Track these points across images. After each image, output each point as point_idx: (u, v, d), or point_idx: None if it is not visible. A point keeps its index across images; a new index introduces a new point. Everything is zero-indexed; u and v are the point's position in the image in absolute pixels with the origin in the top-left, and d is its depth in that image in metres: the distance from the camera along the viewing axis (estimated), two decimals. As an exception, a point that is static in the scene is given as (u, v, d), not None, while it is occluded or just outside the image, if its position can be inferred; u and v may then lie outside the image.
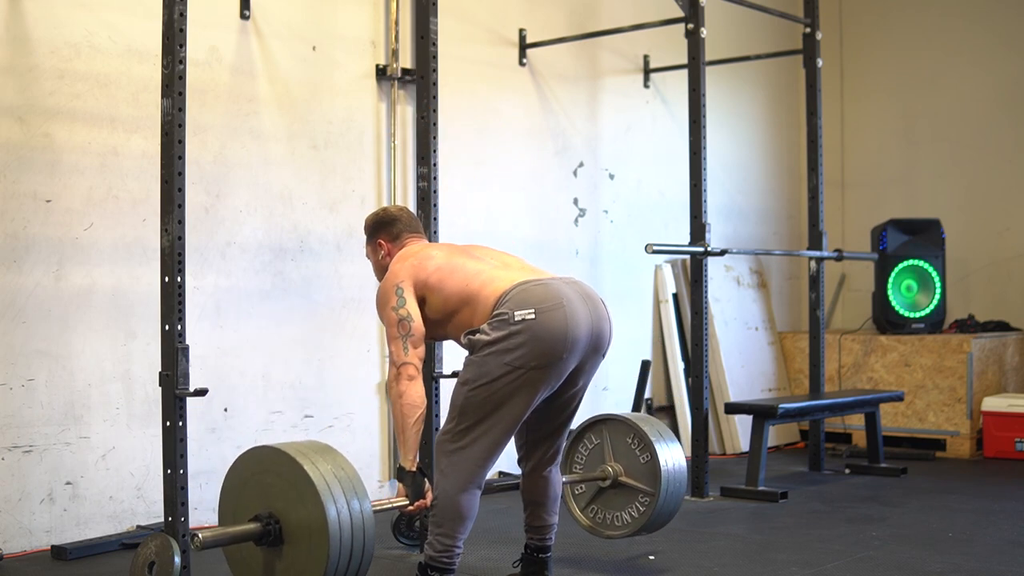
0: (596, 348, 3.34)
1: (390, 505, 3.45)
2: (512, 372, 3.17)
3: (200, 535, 3.13)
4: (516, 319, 3.17)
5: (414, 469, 3.35)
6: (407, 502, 3.39)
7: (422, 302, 3.37)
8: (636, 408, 5.60)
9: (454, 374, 3.53)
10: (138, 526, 4.44)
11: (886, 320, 6.93)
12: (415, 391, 3.27)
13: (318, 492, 3.03)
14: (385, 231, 3.65)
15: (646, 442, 3.90)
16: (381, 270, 3.63)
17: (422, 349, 3.33)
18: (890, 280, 6.94)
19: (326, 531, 3.01)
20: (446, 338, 3.51)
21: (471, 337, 3.26)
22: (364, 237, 5.37)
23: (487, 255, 3.50)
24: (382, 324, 3.46)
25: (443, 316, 3.37)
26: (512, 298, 3.22)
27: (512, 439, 3.54)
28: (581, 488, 4.09)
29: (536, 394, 3.23)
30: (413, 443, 3.30)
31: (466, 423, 3.25)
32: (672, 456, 3.91)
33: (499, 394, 3.20)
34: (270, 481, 3.17)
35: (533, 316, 3.17)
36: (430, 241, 3.95)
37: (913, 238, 7.02)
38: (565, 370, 3.26)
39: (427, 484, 3.38)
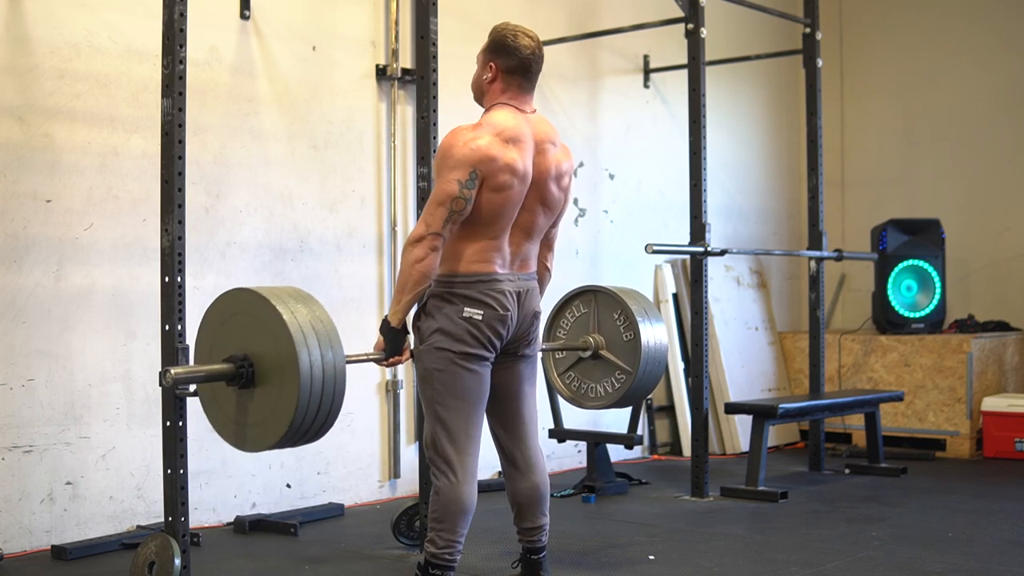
0: (520, 340, 3.43)
1: (365, 357, 3.44)
2: (460, 358, 3.28)
3: (172, 370, 3.14)
4: (464, 315, 3.28)
5: (398, 327, 3.35)
6: (383, 355, 3.39)
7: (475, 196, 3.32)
8: (635, 411, 5.59)
9: None
10: (138, 526, 4.44)
11: (886, 320, 6.93)
12: (431, 261, 3.25)
13: (292, 337, 3.05)
14: (504, 60, 3.46)
15: (631, 320, 3.91)
16: (478, 87, 3.55)
17: (456, 230, 3.29)
18: (890, 280, 6.94)
19: (297, 378, 3.03)
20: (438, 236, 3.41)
21: (419, 325, 3.34)
22: (364, 234, 5.37)
23: (531, 220, 3.41)
24: (434, 175, 3.37)
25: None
26: (477, 288, 3.29)
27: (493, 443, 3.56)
28: (562, 354, 4.10)
29: (485, 375, 3.34)
30: (407, 306, 3.31)
31: (443, 415, 3.31)
32: (654, 336, 3.93)
33: (459, 379, 3.29)
34: (247, 323, 3.17)
35: (480, 318, 3.28)
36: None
37: (913, 238, 7.02)
38: (494, 355, 3.37)
39: (407, 341, 3.39)
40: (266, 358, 3.14)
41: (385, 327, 3.36)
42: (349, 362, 3.28)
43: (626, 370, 3.93)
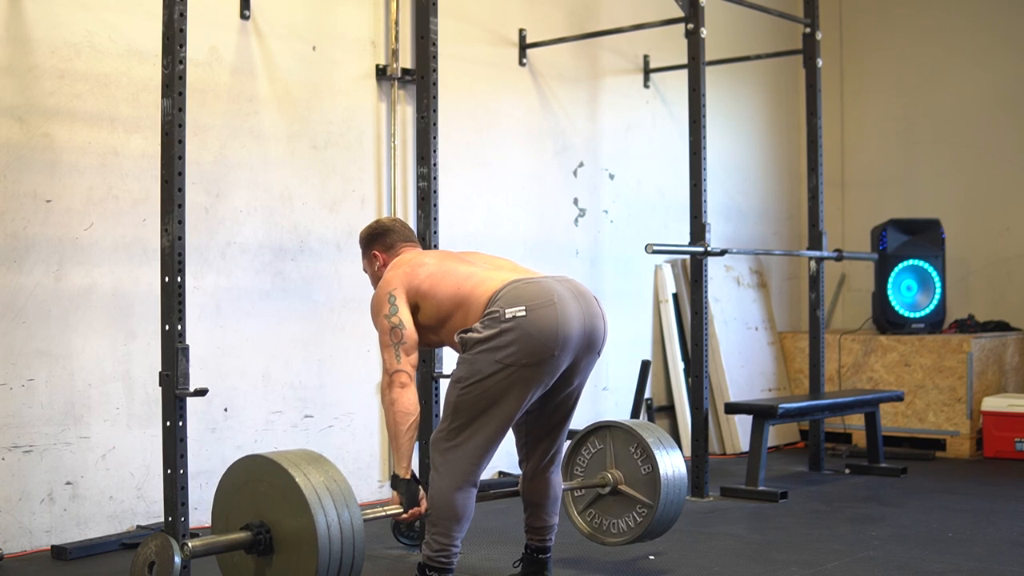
0: (590, 345, 3.34)
1: (384, 513, 3.45)
2: (504, 370, 3.18)
3: (190, 544, 3.14)
4: (507, 316, 3.18)
5: (408, 476, 3.36)
6: (401, 510, 3.40)
7: (415, 309, 3.39)
8: (636, 408, 5.60)
9: None
10: (138, 526, 4.44)
11: (886, 320, 6.93)
12: (407, 398, 3.28)
13: (308, 503, 3.05)
14: (379, 242, 3.67)
15: (648, 453, 3.90)
16: (377, 280, 3.65)
17: (415, 356, 3.34)
18: (890, 280, 6.94)
19: (315, 542, 3.03)
20: (441, 344, 3.52)
21: (463, 336, 3.27)
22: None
23: (479, 259, 3.52)
24: (376, 330, 3.47)
25: (437, 321, 3.38)
26: (503, 296, 3.23)
27: (515, 439, 3.55)
28: (580, 492, 4.09)
29: (529, 391, 3.23)
30: (407, 450, 3.32)
31: (460, 421, 3.26)
32: (673, 466, 3.92)
33: (491, 392, 3.21)
34: (262, 490, 3.18)
35: (524, 313, 3.18)
36: (427, 248, 3.96)
37: (913, 238, 7.02)
38: (558, 367, 3.26)
39: (421, 492, 3.39)
40: (283, 524, 3.13)
41: (395, 481, 3.37)
42: (367, 520, 3.25)
43: (647, 503, 3.92)
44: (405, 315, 3.35)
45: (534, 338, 3.17)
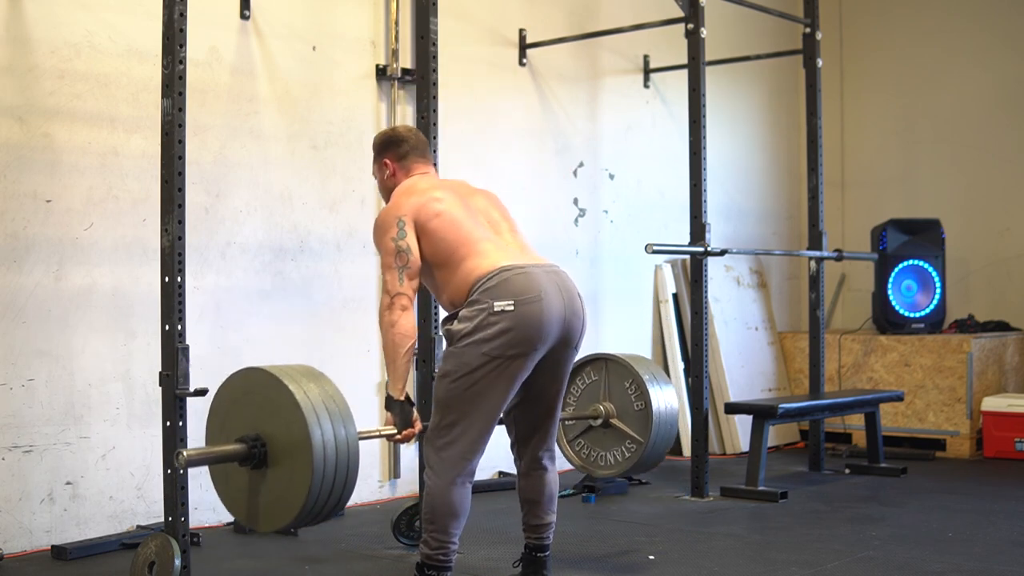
0: (567, 341, 3.38)
1: (378, 433, 3.45)
2: (491, 362, 3.22)
3: (184, 452, 3.13)
4: (496, 309, 3.22)
5: (402, 398, 3.37)
6: (395, 431, 3.40)
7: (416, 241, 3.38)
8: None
9: None
10: (138, 526, 4.44)
11: (886, 320, 6.93)
12: (407, 321, 3.29)
13: (303, 415, 3.03)
14: (392, 150, 3.62)
15: (642, 389, 3.91)
16: (386, 190, 3.63)
17: (417, 282, 3.35)
18: (890, 280, 6.94)
19: (310, 454, 3.02)
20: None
21: (449, 327, 3.30)
22: (364, 234, 5.38)
23: (483, 216, 3.48)
24: (377, 251, 3.45)
25: (424, 262, 3.39)
26: (492, 286, 3.25)
27: (508, 438, 3.56)
28: (571, 421, 4.11)
29: (514, 382, 3.28)
30: (403, 372, 3.32)
31: (451, 416, 3.29)
32: (665, 403, 3.93)
33: (479, 384, 3.24)
34: (258, 403, 3.16)
35: (512, 308, 3.22)
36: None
37: (913, 238, 7.02)
38: (536, 359, 3.31)
39: (415, 413, 3.40)
40: (278, 438, 3.12)
41: (389, 402, 3.38)
42: (362, 438, 3.26)
43: (637, 440, 3.94)
44: (412, 241, 3.34)
45: (520, 332, 3.22)
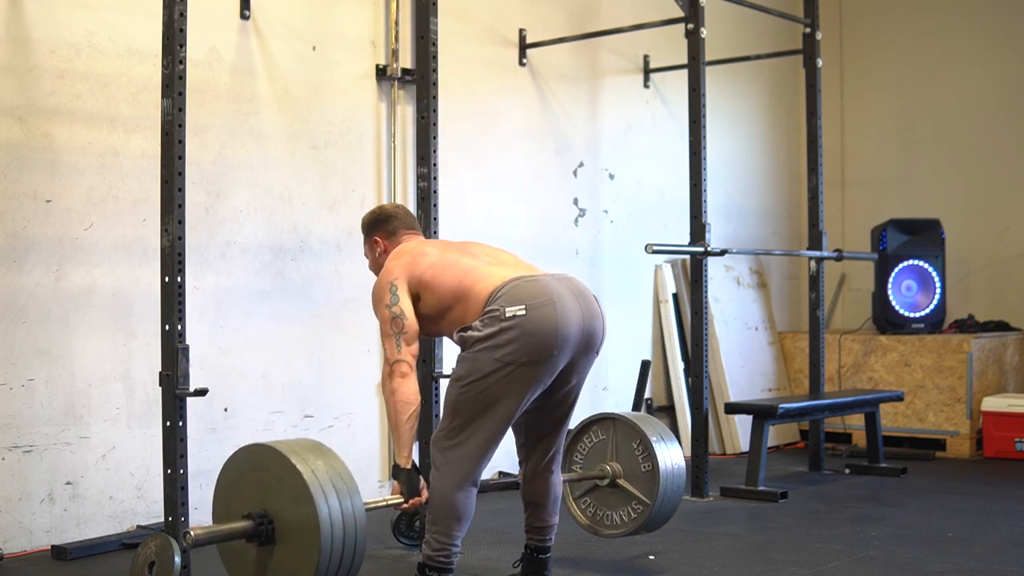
0: (588, 345, 3.34)
1: (385, 503, 3.46)
2: (503, 368, 3.19)
3: (192, 532, 3.13)
4: (507, 315, 3.18)
5: (408, 466, 3.37)
6: (402, 500, 3.41)
7: (416, 299, 3.39)
8: (636, 408, 5.59)
9: None
10: (138, 526, 4.44)
11: (886, 320, 6.93)
12: (408, 388, 3.29)
13: (310, 491, 3.03)
14: (381, 229, 3.67)
15: (649, 451, 3.91)
16: (378, 268, 3.65)
17: (416, 347, 3.35)
18: (890, 280, 6.94)
19: (317, 530, 3.02)
20: (440, 334, 3.55)
21: (463, 334, 3.28)
22: (363, 236, 5.35)
23: (481, 252, 3.51)
24: (376, 319, 3.48)
25: (437, 312, 3.39)
26: (504, 295, 3.23)
27: (515, 439, 3.55)
28: (578, 480, 4.11)
29: (528, 390, 3.24)
30: (407, 440, 3.32)
31: (460, 420, 3.26)
32: (672, 463, 3.92)
33: (491, 390, 3.21)
34: (264, 479, 3.17)
35: (524, 312, 3.18)
36: (428, 238, 3.96)
37: (913, 238, 7.02)
38: (556, 366, 3.27)
39: (422, 482, 3.39)
40: (286, 515, 3.12)
41: (396, 471, 3.38)
42: (369, 510, 3.26)
43: (643, 501, 3.93)
44: (406, 305, 3.35)
45: (534, 337, 3.18)
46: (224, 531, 3.20)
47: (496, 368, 3.19)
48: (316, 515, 3.01)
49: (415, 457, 3.89)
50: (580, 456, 4.09)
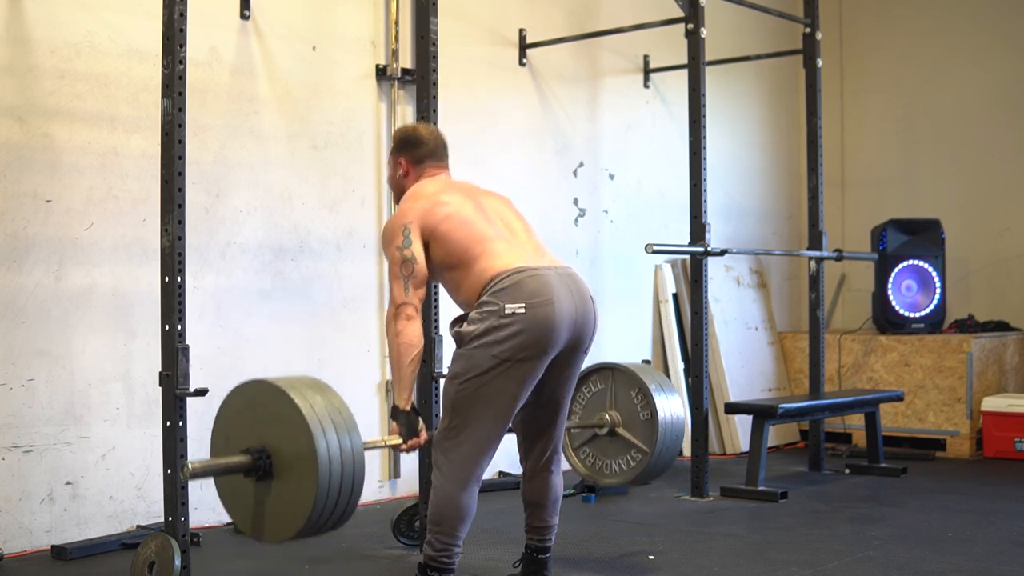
0: (576, 344, 3.36)
1: (384, 444, 3.45)
2: (500, 364, 3.20)
3: (189, 464, 3.13)
4: (506, 312, 3.20)
5: (408, 408, 3.36)
6: (401, 440, 3.40)
7: (425, 246, 3.37)
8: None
9: None
10: (138, 526, 4.44)
11: (886, 320, 6.93)
12: (413, 330, 3.28)
13: (308, 426, 3.03)
14: (409, 151, 3.59)
15: (649, 399, 3.91)
16: (396, 186, 3.62)
17: (423, 291, 3.34)
18: (890, 280, 6.95)
19: (315, 466, 3.01)
20: (436, 282, 3.54)
21: (459, 330, 3.29)
22: (364, 234, 5.39)
23: (496, 215, 3.47)
24: (385, 259, 3.44)
25: (439, 265, 3.38)
26: (505, 288, 3.23)
27: (515, 437, 3.56)
28: (577, 429, 4.11)
29: (525, 385, 3.26)
30: (408, 382, 3.30)
31: (460, 419, 3.27)
32: (671, 413, 3.93)
33: (489, 387, 3.22)
34: (262, 414, 3.16)
35: (523, 311, 3.20)
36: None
37: (913, 238, 7.02)
38: (548, 361, 3.30)
39: (421, 423, 3.39)
40: (284, 449, 3.11)
41: (395, 412, 3.36)
42: (367, 449, 3.26)
43: (643, 449, 3.94)
44: (418, 250, 3.33)
45: (531, 335, 3.20)
46: (221, 465, 3.19)
47: (494, 364, 3.20)
48: (314, 450, 3.00)
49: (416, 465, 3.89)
50: (579, 406, 4.09)
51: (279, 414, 3.10)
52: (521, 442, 3.55)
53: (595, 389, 4.07)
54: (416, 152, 3.58)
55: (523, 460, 3.56)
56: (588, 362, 4.05)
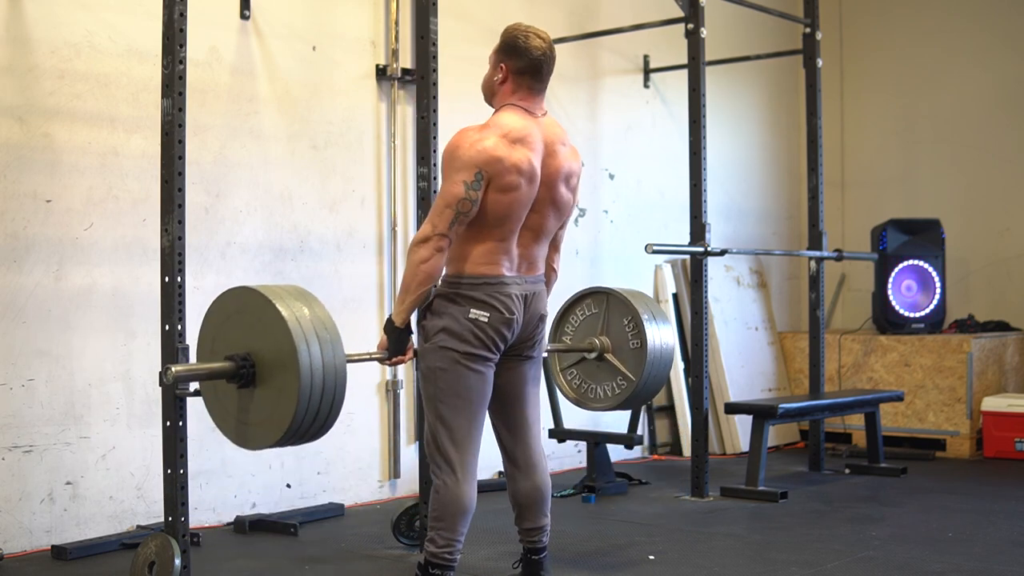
0: (518, 350, 3.42)
1: (368, 356, 3.46)
2: (464, 357, 3.27)
3: (173, 368, 3.14)
4: (470, 316, 3.27)
5: (402, 327, 3.36)
6: (386, 355, 3.40)
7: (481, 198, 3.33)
8: (635, 411, 5.59)
9: None
10: (138, 526, 4.44)
11: (886, 320, 6.93)
12: (436, 262, 3.26)
13: (293, 337, 3.04)
14: (512, 60, 3.50)
15: (640, 329, 3.89)
16: (488, 86, 3.57)
17: (461, 231, 3.29)
18: (890, 280, 6.95)
19: (297, 375, 3.03)
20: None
21: (423, 323, 3.34)
22: (364, 234, 5.38)
23: (539, 222, 3.41)
24: (441, 176, 3.37)
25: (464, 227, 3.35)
26: (479, 289, 3.28)
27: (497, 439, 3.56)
28: (566, 351, 4.10)
29: (486, 376, 3.33)
30: (411, 305, 3.31)
31: (438, 411, 3.32)
32: (661, 342, 3.91)
33: (460, 381, 3.29)
34: (249, 321, 3.17)
35: (486, 320, 3.28)
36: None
37: (913, 238, 7.02)
38: (498, 358, 3.38)
39: (411, 342, 3.41)
40: (267, 357, 3.14)
41: (389, 326, 3.37)
42: (350, 361, 3.29)
43: (628, 377, 3.92)
44: (479, 197, 3.28)
45: (487, 335, 3.28)
46: (205, 370, 3.21)
47: (456, 359, 3.27)
48: (296, 359, 3.01)
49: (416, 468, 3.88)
50: (571, 328, 4.07)
51: (264, 322, 3.12)
52: (498, 444, 3.55)
53: (588, 313, 4.04)
54: (517, 63, 3.48)
55: (504, 462, 3.55)
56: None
